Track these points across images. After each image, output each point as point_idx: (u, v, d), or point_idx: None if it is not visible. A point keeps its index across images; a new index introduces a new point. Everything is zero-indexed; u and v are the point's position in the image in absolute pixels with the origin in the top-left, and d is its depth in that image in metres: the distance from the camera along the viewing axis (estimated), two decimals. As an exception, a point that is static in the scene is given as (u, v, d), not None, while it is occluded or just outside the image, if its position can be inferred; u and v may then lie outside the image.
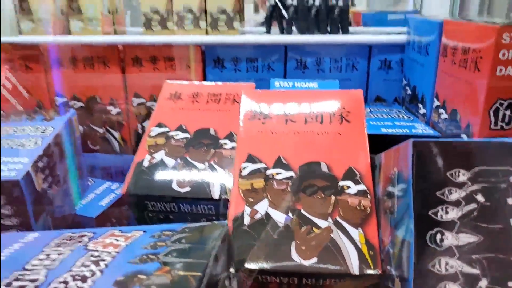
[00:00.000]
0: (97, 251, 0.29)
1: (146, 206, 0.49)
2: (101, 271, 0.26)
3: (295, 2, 0.67)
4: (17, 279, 0.27)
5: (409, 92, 0.64)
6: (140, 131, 0.74)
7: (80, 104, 0.73)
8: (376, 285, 0.35)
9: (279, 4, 0.69)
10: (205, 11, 0.70)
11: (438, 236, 0.29)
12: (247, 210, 0.39)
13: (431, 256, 0.28)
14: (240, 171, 0.42)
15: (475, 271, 0.28)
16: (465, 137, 0.47)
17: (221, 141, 0.52)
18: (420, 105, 0.58)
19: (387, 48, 0.67)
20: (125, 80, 0.71)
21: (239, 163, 0.42)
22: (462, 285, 0.27)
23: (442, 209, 0.29)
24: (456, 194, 0.30)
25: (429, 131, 0.53)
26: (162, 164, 0.51)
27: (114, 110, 0.73)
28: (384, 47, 0.67)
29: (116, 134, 0.74)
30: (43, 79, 0.72)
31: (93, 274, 0.26)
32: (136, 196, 0.48)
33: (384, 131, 0.51)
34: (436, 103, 0.53)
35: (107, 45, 0.69)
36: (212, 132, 0.54)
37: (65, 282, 0.26)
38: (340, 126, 0.44)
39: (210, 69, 0.69)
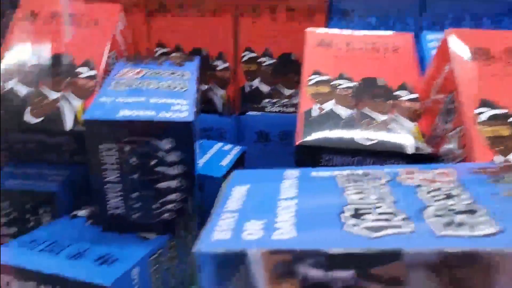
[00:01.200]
0: (420, 186, 0.23)
1: (320, 160, 0.43)
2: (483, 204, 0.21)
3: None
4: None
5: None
6: (247, 89, 0.67)
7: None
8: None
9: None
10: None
11: None
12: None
13: None
14: (475, 118, 0.36)
15: None
16: None
17: (397, 92, 0.46)
18: None
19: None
20: (237, 31, 0.64)
21: (472, 107, 0.36)
22: None
23: None
24: None
25: None
26: (334, 115, 0.45)
27: (221, 65, 0.66)
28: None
29: (221, 92, 0.67)
30: (142, 25, 0.65)
31: (472, 208, 0.20)
32: (313, 148, 0.42)
33: None
34: None
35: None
36: (381, 82, 0.48)
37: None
38: None
39: (335, 21, 0.63)
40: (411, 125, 0.43)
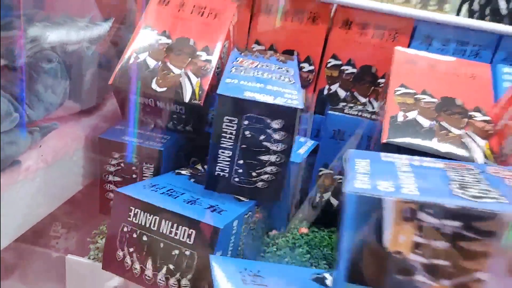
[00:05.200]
0: (504, 178, 0.31)
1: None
2: None
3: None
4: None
5: None
6: (325, 92, 0.75)
7: (274, 55, 0.74)
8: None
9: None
10: (420, -12, 0.71)
11: None
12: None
13: None
14: None
15: None
16: None
17: (471, 113, 0.54)
18: None
19: None
20: (328, 39, 0.73)
21: None
22: None
23: None
24: None
25: None
26: (416, 123, 0.52)
27: (307, 68, 0.74)
28: None
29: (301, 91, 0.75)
30: (245, 23, 0.74)
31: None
32: (396, 148, 0.50)
33: None
34: None
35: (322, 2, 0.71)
36: (458, 102, 0.55)
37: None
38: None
39: (416, 45, 0.70)
40: (482, 142, 0.50)
